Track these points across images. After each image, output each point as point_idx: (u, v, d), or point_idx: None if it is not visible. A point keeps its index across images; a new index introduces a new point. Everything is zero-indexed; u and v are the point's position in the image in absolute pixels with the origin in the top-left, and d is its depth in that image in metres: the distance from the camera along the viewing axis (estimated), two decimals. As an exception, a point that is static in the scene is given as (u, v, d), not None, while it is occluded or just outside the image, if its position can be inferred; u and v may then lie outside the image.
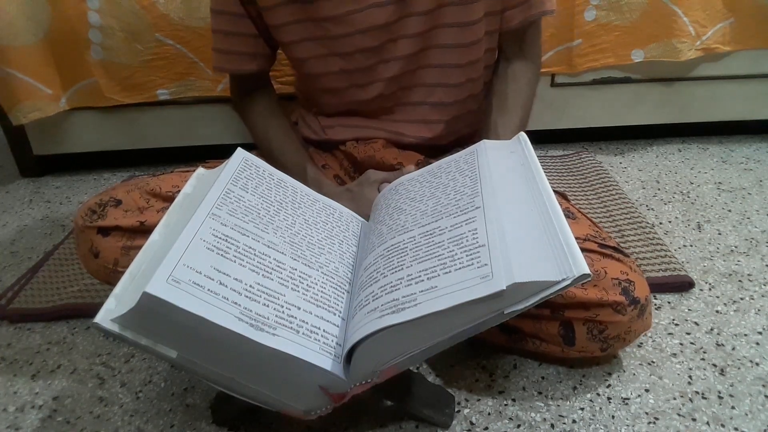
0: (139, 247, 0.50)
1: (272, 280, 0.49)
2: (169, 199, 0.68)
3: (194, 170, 0.63)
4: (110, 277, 0.67)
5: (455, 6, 0.71)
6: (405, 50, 0.75)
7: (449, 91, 0.79)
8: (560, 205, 0.50)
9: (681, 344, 0.70)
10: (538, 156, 0.58)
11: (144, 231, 0.66)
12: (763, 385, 0.64)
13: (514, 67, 0.79)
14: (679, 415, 0.60)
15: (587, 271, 0.42)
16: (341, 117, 0.84)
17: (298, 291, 0.49)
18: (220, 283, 0.45)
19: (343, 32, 0.73)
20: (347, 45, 0.74)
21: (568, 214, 0.66)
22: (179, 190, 0.58)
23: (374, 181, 0.72)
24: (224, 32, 0.78)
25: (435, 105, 0.80)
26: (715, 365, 0.67)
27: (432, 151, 0.83)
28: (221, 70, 0.82)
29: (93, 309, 0.45)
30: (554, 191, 0.53)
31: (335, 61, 0.76)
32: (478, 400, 0.63)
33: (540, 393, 0.64)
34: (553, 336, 0.62)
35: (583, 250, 0.45)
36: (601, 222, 0.97)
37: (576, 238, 0.46)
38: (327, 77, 0.79)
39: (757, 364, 0.67)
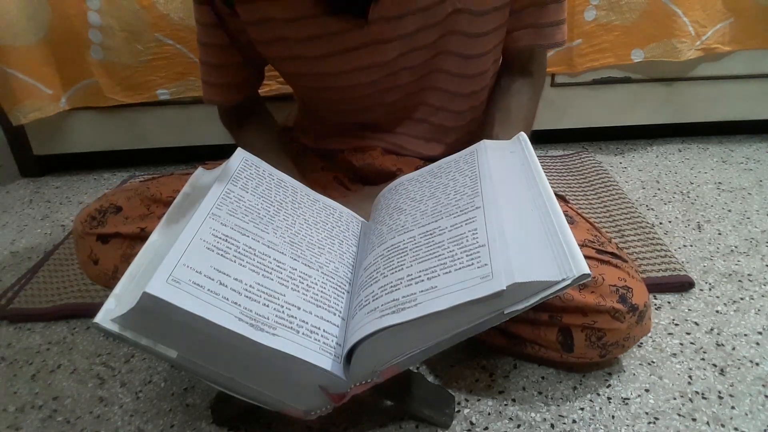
0: None
1: (272, 280, 0.49)
2: (171, 204, 0.68)
3: (194, 172, 0.63)
4: (110, 284, 0.67)
5: (462, 36, 0.69)
6: (405, 79, 0.73)
7: (452, 117, 0.78)
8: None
9: (681, 344, 0.70)
10: (538, 156, 0.58)
11: (144, 238, 0.65)
12: (763, 385, 0.64)
13: (517, 81, 0.77)
14: (679, 415, 0.60)
15: (587, 270, 0.42)
16: (339, 127, 0.82)
17: (298, 291, 0.49)
18: (220, 283, 0.45)
19: (340, 70, 0.70)
20: (343, 80, 0.71)
21: (567, 218, 0.66)
22: None
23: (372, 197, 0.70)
24: (211, 64, 0.75)
25: (437, 126, 0.79)
26: (715, 365, 0.67)
27: (430, 162, 0.82)
28: (210, 102, 0.79)
29: (93, 309, 0.45)
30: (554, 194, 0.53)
31: (332, 92, 0.74)
32: (478, 400, 0.63)
33: (540, 393, 0.64)
34: (552, 342, 0.62)
35: None
36: (600, 222, 0.97)
37: None
38: (324, 103, 0.77)
39: (757, 364, 0.67)
